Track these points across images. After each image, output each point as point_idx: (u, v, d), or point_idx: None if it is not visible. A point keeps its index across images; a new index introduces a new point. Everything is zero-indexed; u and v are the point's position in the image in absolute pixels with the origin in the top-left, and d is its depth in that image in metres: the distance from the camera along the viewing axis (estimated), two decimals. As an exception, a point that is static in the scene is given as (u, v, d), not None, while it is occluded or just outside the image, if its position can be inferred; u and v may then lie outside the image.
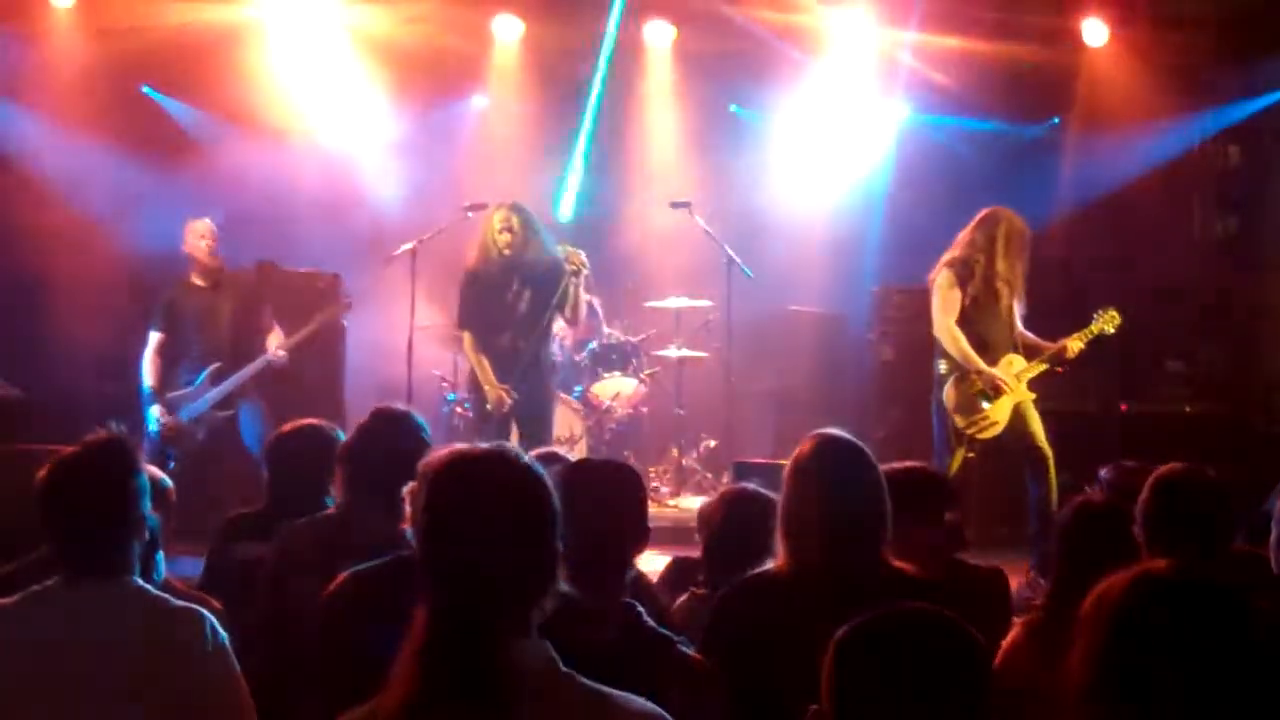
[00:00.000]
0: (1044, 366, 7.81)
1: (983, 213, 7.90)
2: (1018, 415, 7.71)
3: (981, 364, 7.66)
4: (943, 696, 2.11)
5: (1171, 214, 10.79)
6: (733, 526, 4.24)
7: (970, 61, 10.48)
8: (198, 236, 8.38)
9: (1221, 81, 10.43)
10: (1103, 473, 5.05)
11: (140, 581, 3.22)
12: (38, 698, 3.01)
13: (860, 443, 3.58)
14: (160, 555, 3.25)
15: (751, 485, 4.48)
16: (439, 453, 2.29)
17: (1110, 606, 2.09)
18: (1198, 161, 10.82)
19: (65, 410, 8.50)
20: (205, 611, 3.21)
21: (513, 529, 2.21)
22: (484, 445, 2.30)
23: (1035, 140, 11.06)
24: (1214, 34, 10.22)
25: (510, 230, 8.15)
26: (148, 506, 3.26)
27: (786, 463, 3.64)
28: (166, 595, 3.24)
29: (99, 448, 3.25)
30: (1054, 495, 7.49)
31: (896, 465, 4.10)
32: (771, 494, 4.33)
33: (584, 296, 8.32)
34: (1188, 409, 9.80)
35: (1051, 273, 9.97)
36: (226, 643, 3.20)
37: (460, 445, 2.30)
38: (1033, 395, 7.77)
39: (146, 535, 3.25)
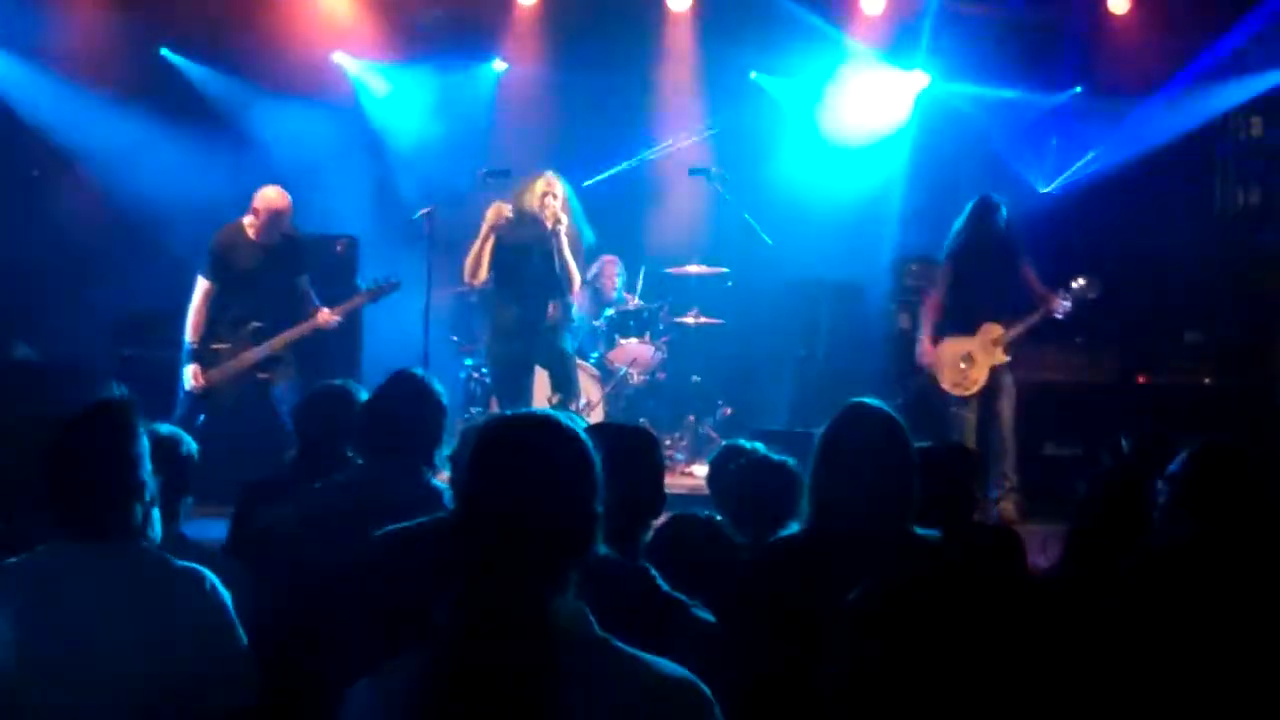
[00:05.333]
0: (1028, 326, 8.60)
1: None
2: (993, 377, 8.58)
3: (925, 342, 8.76)
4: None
5: (1193, 184, 10.74)
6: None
7: (992, 29, 10.42)
8: (269, 209, 8.10)
9: (1244, 51, 10.35)
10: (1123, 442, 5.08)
11: (141, 544, 3.24)
12: (36, 658, 3.03)
13: (894, 413, 3.59)
14: (156, 514, 3.26)
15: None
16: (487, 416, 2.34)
17: None
18: (1220, 132, 10.76)
19: (82, 375, 8.54)
20: (206, 571, 3.23)
21: (556, 491, 2.25)
22: (530, 409, 2.34)
23: (1056, 109, 11.00)
24: (1238, 4, 10.13)
25: (554, 195, 8.17)
26: (148, 469, 3.27)
27: (804, 431, 3.66)
28: (167, 556, 3.25)
29: (99, 411, 3.27)
30: (1010, 462, 8.46)
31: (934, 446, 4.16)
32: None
33: (568, 258, 8.27)
34: (1206, 381, 9.75)
35: (1071, 241, 9.95)
36: (228, 602, 3.22)
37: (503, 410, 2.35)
38: (1007, 359, 8.60)
39: (148, 498, 3.27)
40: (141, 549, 3.22)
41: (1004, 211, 8.66)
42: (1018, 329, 8.58)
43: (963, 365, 8.62)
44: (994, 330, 8.60)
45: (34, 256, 9.48)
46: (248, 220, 8.17)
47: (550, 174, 8.34)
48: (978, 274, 8.64)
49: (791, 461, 4.44)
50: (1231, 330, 10.13)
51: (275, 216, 8.15)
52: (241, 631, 3.22)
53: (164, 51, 10.31)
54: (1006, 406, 8.57)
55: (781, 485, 4.29)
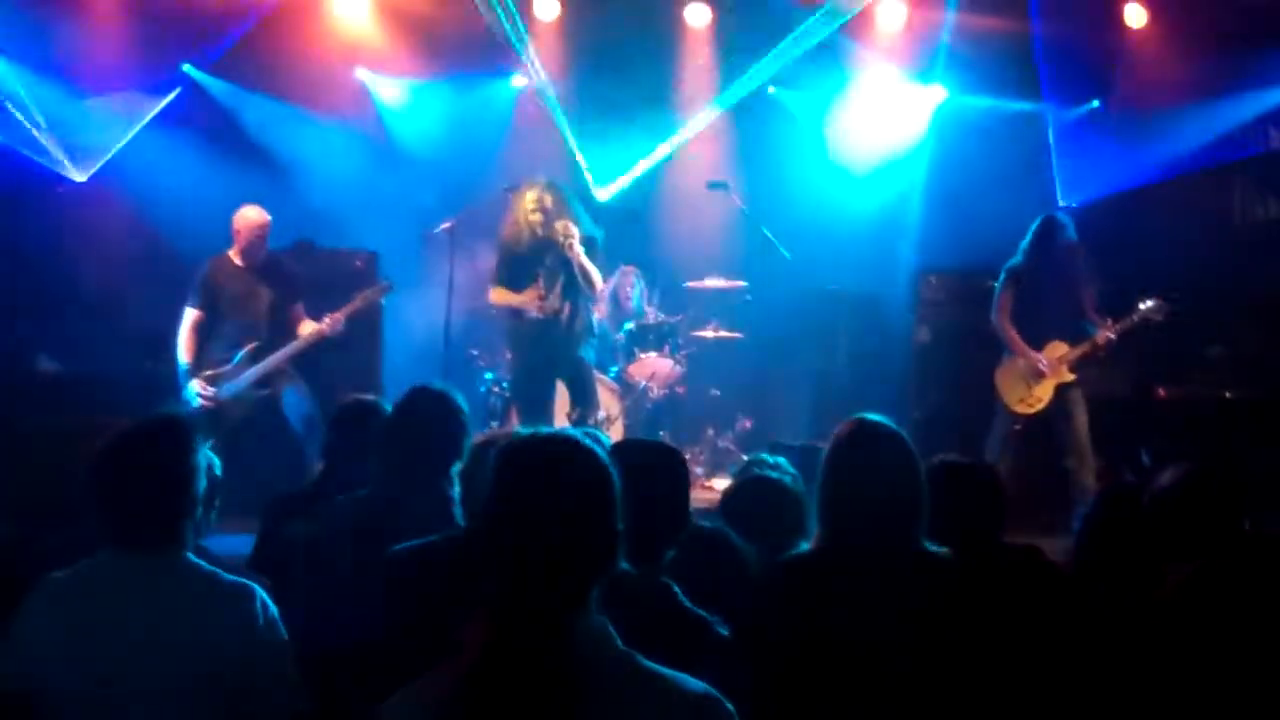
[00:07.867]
0: (1084, 352, 8.49)
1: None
2: (1060, 397, 8.46)
3: (1026, 349, 8.48)
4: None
5: (1212, 197, 10.72)
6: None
7: (1009, 43, 10.43)
8: (250, 227, 8.26)
9: (1262, 64, 10.34)
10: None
11: (191, 556, 3.26)
12: (87, 669, 3.06)
13: (896, 427, 3.59)
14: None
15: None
16: (502, 433, 2.35)
17: None
18: (1238, 144, 10.73)
19: (105, 387, 8.58)
20: (256, 586, 3.25)
21: (578, 509, 2.27)
22: (551, 429, 2.36)
23: (1074, 123, 11.00)
24: (1254, 17, 10.12)
25: (543, 210, 8.20)
26: (203, 485, 3.31)
27: (823, 445, 3.66)
28: (217, 570, 3.28)
29: (160, 423, 3.30)
30: (1091, 476, 8.28)
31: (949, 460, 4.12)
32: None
33: (586, 265, 8.30)
34: (1227, 395, 9.72)
35: (1091, 255, 9.93)
36: (277, 616, 3.25)
37: (522, 429, 2.36)
38: (1073, 377, 8.48)
39: (199, 512, 3.30)
40: (191, 562, 3.24)
41: (1070, 231, 8.60)
42: (1082, 349, 8.51)
43: (1029, 383, 8.55)
44: (1059, 348, 8.54)
45: (60, 269, 9.52)
46: (232, 250, 8.27)
47: (538, 184, 8.36)
48: (1041, 292, 8.57)
49: (789, 480, 4.49)
50: (1252, 344, 10.09)
51: (256, 234, 8.24)
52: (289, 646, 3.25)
53: (186, 68, 10.36)
54: (1081, 420, 8.50)
55: (783, 505, 4.31)
